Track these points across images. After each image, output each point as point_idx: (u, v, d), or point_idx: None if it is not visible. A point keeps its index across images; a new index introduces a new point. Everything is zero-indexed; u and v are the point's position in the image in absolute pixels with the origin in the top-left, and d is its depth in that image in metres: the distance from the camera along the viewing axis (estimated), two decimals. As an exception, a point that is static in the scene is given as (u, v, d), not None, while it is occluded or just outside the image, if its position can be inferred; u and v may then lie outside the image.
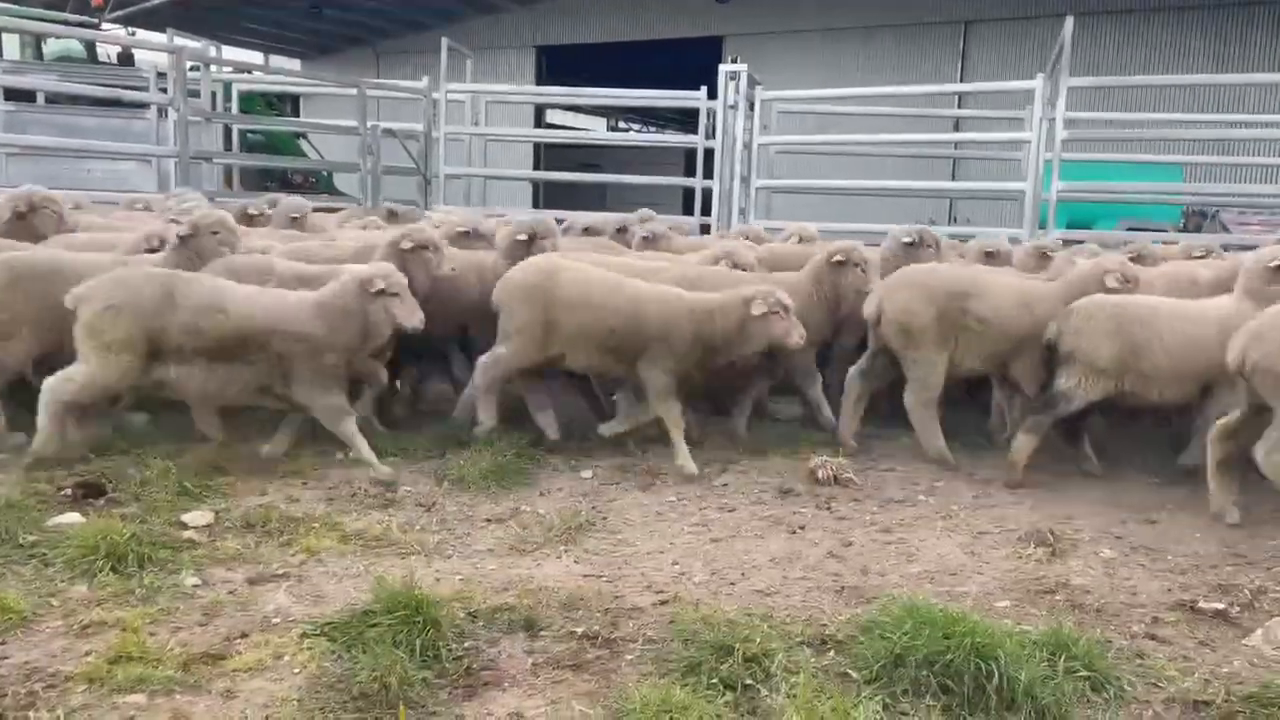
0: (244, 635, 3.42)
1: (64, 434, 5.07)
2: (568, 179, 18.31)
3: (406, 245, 6.00)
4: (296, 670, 3.19)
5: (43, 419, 4.97)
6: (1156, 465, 5.83)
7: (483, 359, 5.86)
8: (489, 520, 4.74)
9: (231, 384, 5.25)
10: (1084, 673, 3.16)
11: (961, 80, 21.30)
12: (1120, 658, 3.39)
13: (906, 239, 7.04)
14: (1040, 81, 11.63)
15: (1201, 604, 3.88)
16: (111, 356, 4.96)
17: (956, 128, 18.96)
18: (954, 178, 20.09)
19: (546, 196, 22.79)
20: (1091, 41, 18.65)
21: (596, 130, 33.36)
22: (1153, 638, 3.61)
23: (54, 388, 4.97)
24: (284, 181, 19.17)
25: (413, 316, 5.38)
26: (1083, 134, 12.70)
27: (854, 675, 3.19)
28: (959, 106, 19.04)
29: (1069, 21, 11.18)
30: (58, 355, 5.31)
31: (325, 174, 19.75)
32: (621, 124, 36.88)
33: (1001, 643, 3.15)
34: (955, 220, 19.27)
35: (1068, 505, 5.17)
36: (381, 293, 5.29)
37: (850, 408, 6.14)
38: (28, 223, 6.73)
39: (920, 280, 5.99)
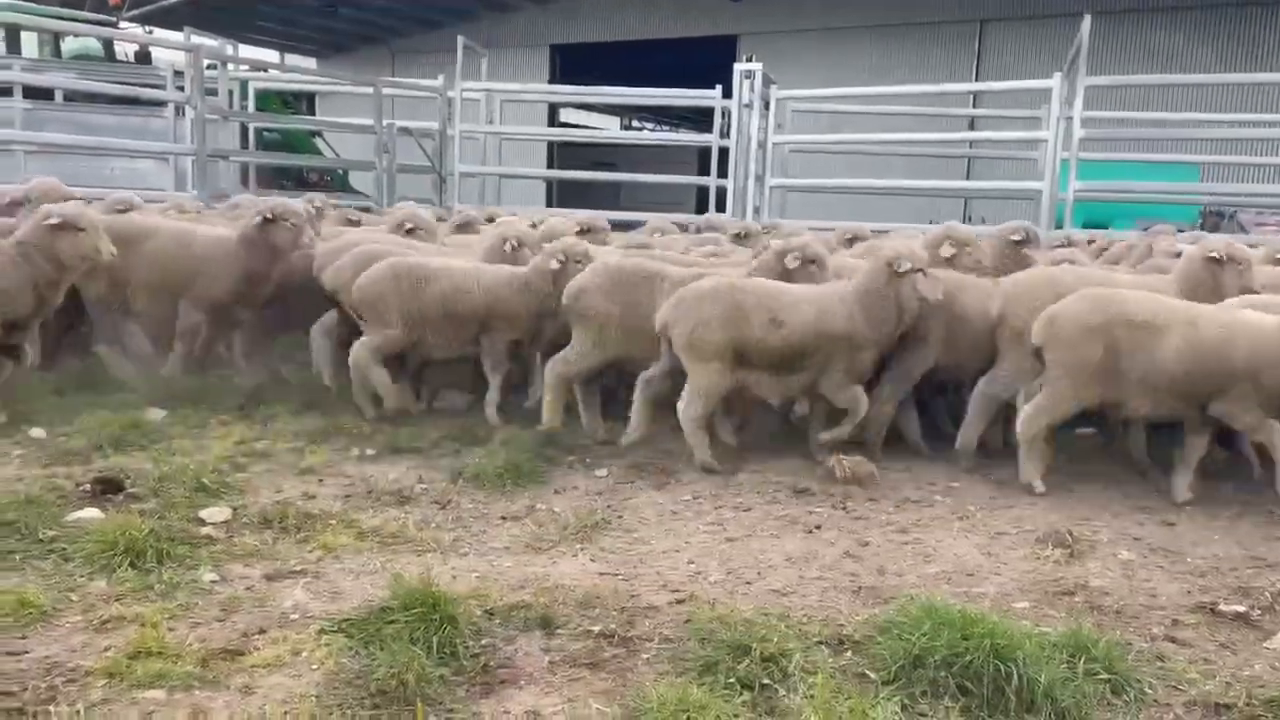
0: (262, 631, 3.43)
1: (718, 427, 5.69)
2: (582, 178, 18.33)
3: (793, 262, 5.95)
4: (314, 666, 3.20)
5: (691, 437, 5.54)
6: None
7: (1027, 410, 5.35)
8: (504, 518, 4.74)
9: (794, 384, 5.61)
10: (1104, 675, 3.14)
11: (976, 79, 21.23)
12: (1140, 660, 3.36)
13: (1015, 237, 6.95)
14: (1058, 80, 11.58)
15: (1222, 606, 3.85)
16: (708, 366, 5.42)
17: (971, 127, 18.89)
18: (968, 177, 20.03)
19: (560, 195, 22.85)
20: (1108, 41, 18.55)
21: (610, 129, 33.37)
22: (1173, 640, 3.59)
23: (683, 410, 5.50)
24: (299, 180, 19.23)
25: (936, 289, 5.45)
26: (1100, 133, 12.63)
27: (872, 676, 3.18)
28: (974, 106, 18.97)
29: (1087, 20, 11.12)
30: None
31: (340, 172, 19.81)
32: (635, 123, 36.87)
33: (1021, 644, 3.13)
34: (970, 220, 19.20)
35: (1085, 507, 5.14)
36: (907, 272, 5.39)
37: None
38: (265, 233, 6.79)
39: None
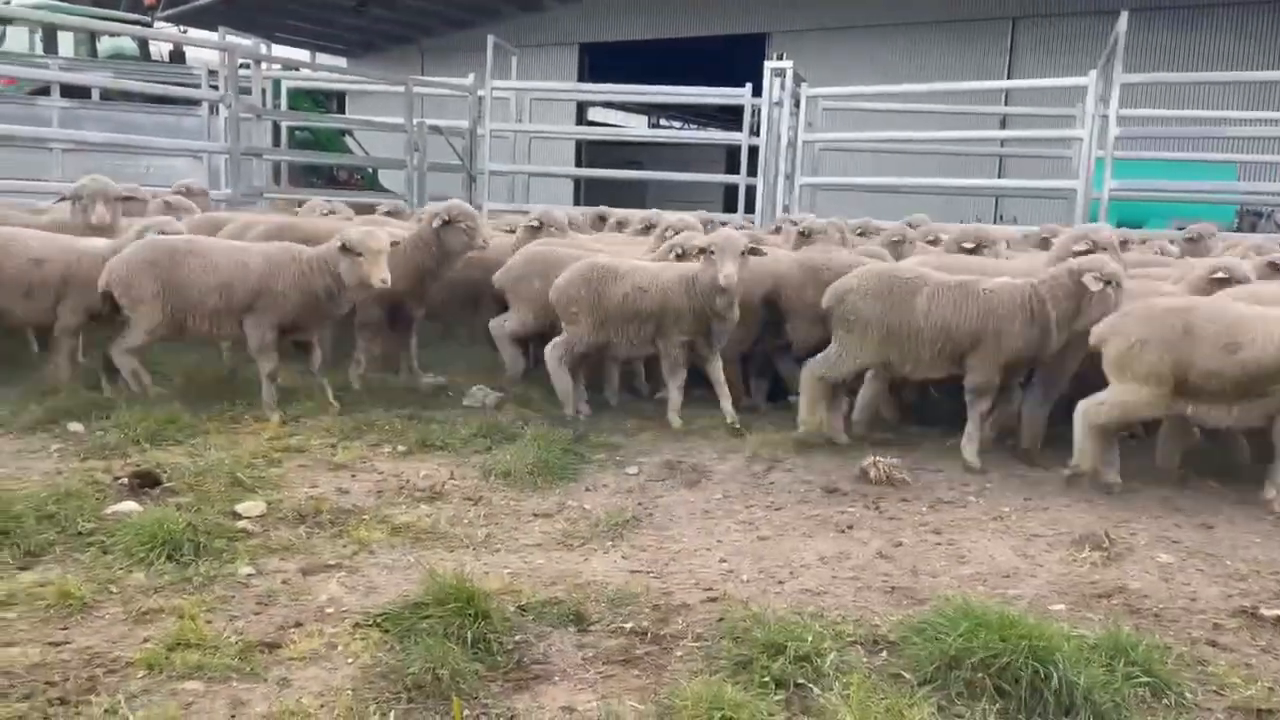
0: (298, 625, 3.46)
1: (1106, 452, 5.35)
2: (611, 176, 18.34)
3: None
4: (350, 660, 3.22)
5: (1081, 440, 5.32)
6: (1210, 469, 5.71)
7: None
8: (536, 515, 4.76)
9: (1249, 414, 5.07)
10: (1144, 678, 3.10)
11: (1009, 77, 21.03)
12: (1180, 664, 3.32)
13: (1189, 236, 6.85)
14: (1093, 78, 11.43)
15: (1263, 610, 3.80)
16: (1139, 388, 5.15)
17: (1004, 125, 18.71)
18: (1000, 175, 19.84)
19: (588, 193, 22.87)
20: (1143, 38, 18.31)
21: (637, 127, 33.37)
22: (1213, 644, 3.54)
23: (1086, 412, 5.29)
24: (330, 178, 19.35)
25: None
26: (1135, 132, 12.47)
27: (907, 676, 3.16)
28: (1006, 103, 18.80)
29: (1123, 17, 10.95)
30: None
31: (370, 170, 19.92)
32: (662, 121, 36.84)
33: (1059, 646, 3.10)
34: (1001, 219, 19.03)
35: (1120, 509, 5.07)
36: None
37: None
38: (440, 236, 6.92)
39: None
